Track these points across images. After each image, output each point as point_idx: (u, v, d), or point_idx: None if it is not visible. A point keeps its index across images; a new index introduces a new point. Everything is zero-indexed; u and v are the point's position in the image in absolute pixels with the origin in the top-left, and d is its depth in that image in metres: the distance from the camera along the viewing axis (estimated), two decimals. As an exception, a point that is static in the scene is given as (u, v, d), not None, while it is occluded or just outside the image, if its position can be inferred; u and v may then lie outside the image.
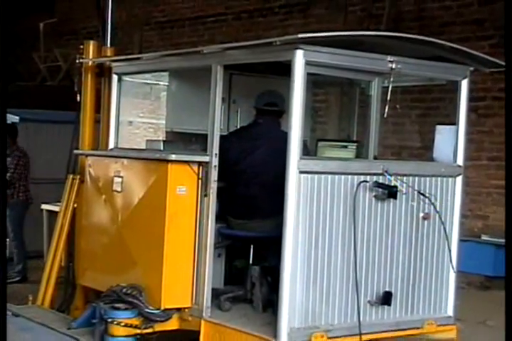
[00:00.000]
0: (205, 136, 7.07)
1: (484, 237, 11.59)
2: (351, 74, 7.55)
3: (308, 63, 6.30)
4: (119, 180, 7.55)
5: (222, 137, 7.20)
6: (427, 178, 7.18)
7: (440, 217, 7.19)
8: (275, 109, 7.51)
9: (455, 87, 7.49)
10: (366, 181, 6.72)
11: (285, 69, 6.47)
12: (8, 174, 11.99)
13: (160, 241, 6.94)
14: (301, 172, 6.35)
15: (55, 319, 7.69)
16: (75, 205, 8.48)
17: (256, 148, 7.45)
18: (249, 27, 15.28)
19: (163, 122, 8.81)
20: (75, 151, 8.61)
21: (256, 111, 7.73)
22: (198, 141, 7.74)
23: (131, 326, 6.80)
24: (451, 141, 7.47)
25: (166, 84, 8.72)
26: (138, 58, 8.38)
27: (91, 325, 6.99)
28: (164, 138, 8.57)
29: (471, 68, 7.45)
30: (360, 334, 6.58)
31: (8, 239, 12.38)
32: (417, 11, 13.18)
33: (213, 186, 6.91)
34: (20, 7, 21.50)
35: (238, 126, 8.28)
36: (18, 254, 12.27)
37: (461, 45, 7.24)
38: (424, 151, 8.33)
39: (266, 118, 7.61)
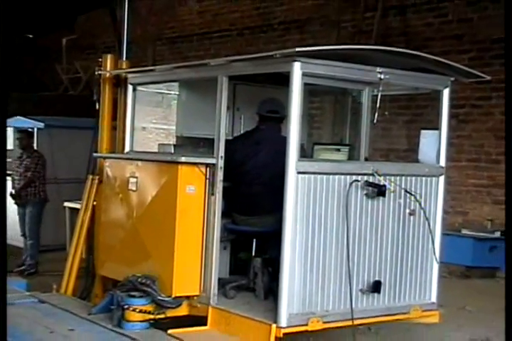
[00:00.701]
0: (211, 140, 7.08)
1: (464, 231, 11.59)
2: (344, 84, 7.64)
3: (305, 74, 6.32)
4: (134, 180, 7.56)
5: (228, 141, 7.23)
6: (413, 178, 7.19)
7: (424, 213, 7.20)
8: (276, 116, 7.48)
9: (438, 96, 7.50)
10: (358, 181, 6.73)
11: (284, 80, 6.47)
12: (29, 173, 12.07)
13: (171, 236, 6.95)
14: (299, 172, 6.36)
15: (77, 305, 7.69)
16: (95, 203, 8.50)
17: (258, 151, 7.45)
18: (251, 42, 15.27)
19: (174, 128, 8.79)
20: (94, 154, 8.62)
21: (259, 118, 7.71)
22: (206, 145, 7.74)
23: (145, 312, 6.80)
24: (434, 145, 7.49)
25: (177, 93, 8.70)
26: (151, 70, 8.37)
27: (109, 311, 6.99)
28: (175, 142, 8.56)
29: (452, 79, 7.46)
30: (353, 319, 6.59)
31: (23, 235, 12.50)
32: (402, 28, 13.17)
33: (219, 186, 6.93)
34: (45, 24, 21.52)
35: (242, 131, 8.27)
36: (33, 249, 12.22)
37: (443, 57, 7.26)
38: (410, 153, 8.34)
39: (268, 124, 7.61)
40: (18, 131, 13.05)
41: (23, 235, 12.56)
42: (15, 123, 15.02)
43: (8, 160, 15.23)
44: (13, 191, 12.34)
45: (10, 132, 15.54)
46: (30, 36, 23.52)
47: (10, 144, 15.51)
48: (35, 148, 12.67)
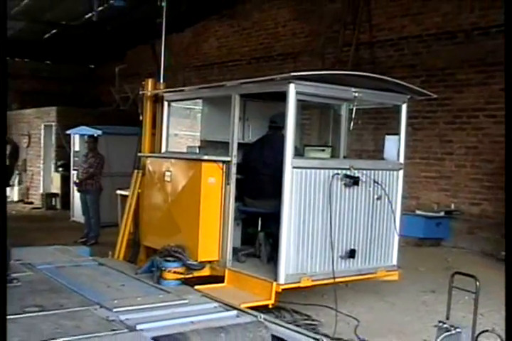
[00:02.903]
0: (227, 143, 7.03)
1: (417, 211, 11.58)
2: (327, 100, 7.68)
3: (298, 92, 6.32)
4: (169, 173, 7.52)
5: (246, 145, 7.54)
6: (379, 171, 7.14)
7: (388, 198, 7.15)
8: (274, 125, 7.48)
9: (397, 109, 7.45)
10: (338, 174, 6.70)
11: (281, 97, 6.42)
12: (92, 169, 12.10)
13: (196, 215, 6.93)
14: (294, 167, 6.36)
15: (127, 267, 7.65)
16: (139, 191, 8.44)
17: (263, 151, 7.40)
18: (257, 69, 15.27)
19: (198, 134, 8.74)
20: (139, 154, 8.57)
21: (268, 127, 7.69)
22: (223, 147, 7.65)
23: (177, 273, 6.76)
24: (395, 146, 7.46)
25: (200, 108, 8.66)
26: (182, 90, 8.32)
27: (150, 272, 6.94)
28: (199, 145, 8.49)
29: (408, 96, 7.43)
30: (334, 278, 6.58)
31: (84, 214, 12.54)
32: (371, 58, 13.16)
33: (233, 177, 6.92)
34: (102, 57, 21.56)
35: (250, 136, 8.23)
36: (95, 225, 12.22)
37: (401, 81, 7.21)
38: (377, 153, 8.30)
39: (271, 131, 7.60)
40: (87, 136, 13.06)
41: (84, 214, 12.57)
42: (80, 131, 15.02)
43: (76, 158, 15.31)
44: (77, 181, 12.36)
45: (77, 138, 15.60)
46: (92, 66, 23.57)
47: (77, 146, 15.60)
48: (98, 149, 12.62)
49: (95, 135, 13.40)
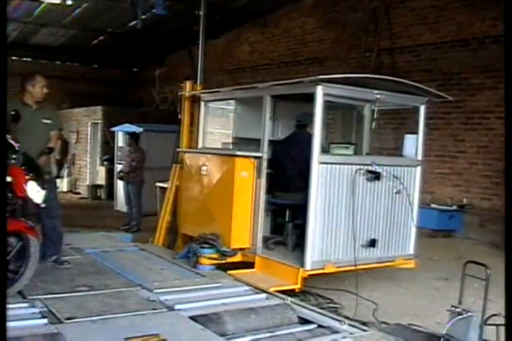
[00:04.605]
0: (258, 140, 6.99)
1: (432, 205, 11.47)
2: (351, 101, 7.53)
3: (325, 94, 6.27)
4: (205, 167, 7.50)
5: (275, 142, 7.43)
6: (399, 167, 7.07)
7: (406, 192, 7.08)
8: (299, 124, 7.44)
9: (416, 110, 7.38)
10: (361, 169, 6.65)
11: (309, 98, 6.38)
12: (134, 163, 12.12)
13: (230, 206, 6.91)
14: (320, 163, 6.32)
15: (166, 253, 7.70)
16: (177, 183, 8.43)
17: (290, 148, 7.33)
18: (285, 72, 15.19)
19: (231, 132, 8.72)
20: (177, 149, 8.55)
21: (295, 126, 7.63)
22: (254, 143, 7.62)
23: (212, 258, 6.79)
24: (414, 144, 7.37)
25: (233, 108, 8.61)
26: (217, 91, 8.30)
27: (187, 257, 6.97)
28: (232, 142, 8.48)
29: (426, 98, 7.34)
30: (356, 265, 6.55)
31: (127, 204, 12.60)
32: (391, 63, 13.08)
33: (264, 172, 6.90)
34: (144, 61, 21.65)
35: (280, 134, 8.13)
36: (136, 214, 12.21)
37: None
38: (397, 151, 8.20)
39: (298, 129, 7.52)
40: (129, 133, 13.08)
41: (127, 204, 12.61)
42: (124, 128, 15.10)
43: (119, 153, 15.39)
44: (122, 174, 12.40)
45: (121, 135, 15.69)
46: (135, 70, 23.64)
47: (121, 142, 15.68)
48: (139, 145, 12.65)
49: (137, 132, 13.45)
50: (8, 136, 5.44)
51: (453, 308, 4.73)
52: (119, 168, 13.71)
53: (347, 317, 5.47)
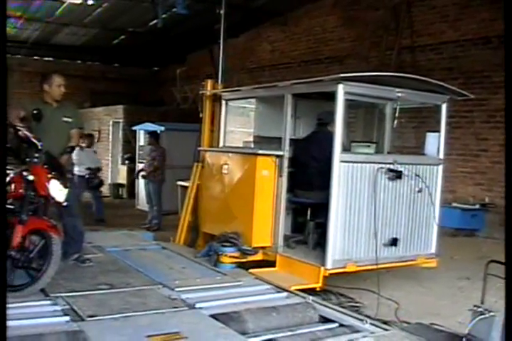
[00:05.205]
0: (280, 139, 6.96)
1: (454, 204, 11.41)
2: (373, 99, 7.49)
3: (346, 92, 6.22)
4: (226, 166, 7.48)
5: (296, 140, 7.37)
6: (420, 166, 6.99)
7: (428, 191, 7.01)
8: (320, 122, 7.37)
9: (437, 109, 7.31)
10: (382, 168, 6.58)
11: (330, 97, 6.35)
12: (155, 161, 12.13)
13: (251, 204, 6.88)
14: (342, 161, 6.27)
15: (187, 251, 7.70)
16: (199, 182, 8.42)
17: (311, 147, 7.26)
18: (306, 71, 15.13)
19: (251, 130, 8.69)
20: (199, 148, 8.52)
21: (316, 124, 7.58)
22: (275, 142, 7.59)
23: (233, 257, 6.78)
24: (435, 143, 7.29)
25: (254, 106, 8.58)
26: (238, 90, 8.27)
27: (208, 256, 6.98)
28: (253, 140, 8.46)
29: (448, 97, 7.26)
30: (377, 264, 6.50)
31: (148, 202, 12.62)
32: (412, 62, 13.04)
33: (285, 170, 6.87)
34: (165, 61, 21.71)
35: (301, 133, 8.10)
36: (157, 213, 12.21)
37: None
38: (418, 149, 8.12)
39: (319, 127, 7.46)
40: (150, 132, 13.10)
41: (148, 203, 12.62)
42: (145, 127, 15.15)
43: (140, 152, 15.45)
44: (143, 172, 12.42)
45: (142, 134, 15.74)
46: (156, 69, 23.74)
47: (142, 141, 15.73)
48: (160, 144, 12.68)
49: (158, 131, 13.47)
50: (30, 135, 5.48)
51: (475, 308, 4.68)
52: (140, 166, 13.76)
53: (368, 317, 5.43)
